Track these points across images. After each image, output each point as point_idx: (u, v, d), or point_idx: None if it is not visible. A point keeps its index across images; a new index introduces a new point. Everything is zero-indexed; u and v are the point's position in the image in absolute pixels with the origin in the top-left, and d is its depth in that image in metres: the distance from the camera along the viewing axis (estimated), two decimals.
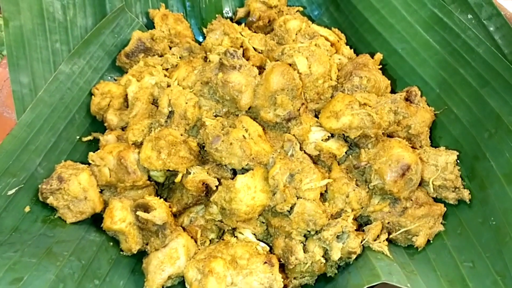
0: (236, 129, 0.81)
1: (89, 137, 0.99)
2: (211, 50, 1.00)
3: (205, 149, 0.85)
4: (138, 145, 0.88)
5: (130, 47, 1.06)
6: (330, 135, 0.86)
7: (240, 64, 0.85)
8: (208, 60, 0.94)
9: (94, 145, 0.99)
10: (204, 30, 1.13)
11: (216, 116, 0.88)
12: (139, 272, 0.83)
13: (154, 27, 1.12)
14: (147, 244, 0.84)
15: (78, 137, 0.98)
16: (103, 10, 1.10)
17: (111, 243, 0.85)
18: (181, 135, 0.86)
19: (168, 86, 0.93)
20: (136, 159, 0.85)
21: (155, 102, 0.94)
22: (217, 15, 1.15)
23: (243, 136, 0.81)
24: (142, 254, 0.85)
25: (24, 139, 0.89)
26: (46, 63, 1.00)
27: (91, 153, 0.88)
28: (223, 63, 0.85)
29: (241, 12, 1.18)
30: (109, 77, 1.08)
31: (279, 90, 0.83)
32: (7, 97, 0.94)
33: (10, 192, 0.82)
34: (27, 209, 0.83)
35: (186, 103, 0.87)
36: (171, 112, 0.88)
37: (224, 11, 1.22)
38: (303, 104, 0.87)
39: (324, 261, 0.79)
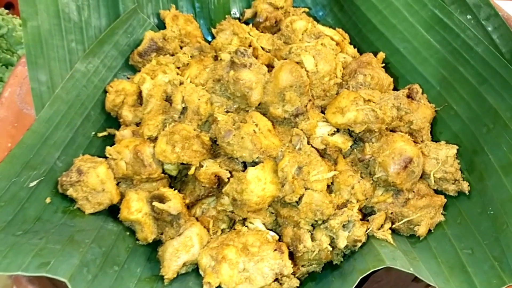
0: (247, 124, 0.85)
1: (105, 133, 1.03)
2: (221, 49, 1.05)
3: (217, 143, 0.89)
4: (153, 140, 0.92)
5: (143, 47, 1.10)
6: (335, 130, 0.90)
7: (250, 62, 0.89)
8: (219, 58, 0.98)
9: (109, 140, 1.03)
10: (213, 30, 1.18)
11: (227, 112, 0.92)
12: (155, 260, 0.87)
13: (165, 28, 1.16)
14: (161, 234, 0.88)
15: (93, 132, 1.02)
16: (116, 11, 1.14)
17: (128, 233, 0.89)
18: (194, 130, 0.90)
19: (181, 83, 0.98)
20: (152, 152, 0.89)
21: (168, 99, 0.98)
22: (226, 16, 1.19)
23: (254, 130, 0.85)
24: (156, 244, 0.90)
25: (43, 134, 0.93)
26: (62, 61, 1.04)
27: (108, 147, 0.93)
28: (234, 62, 0.89)
29: (248, 13, 1.22)
30: (122, 76, 1.12)
31: (288, 87, 0.87)
32: (26, 94, 0.98)
33: (31, 184, 0.86)
34: (48, 200, 0.87)
35: (199, 99, 0.91)
36: (185, 108, 0.92)
37: (232, 12, 1.26)
38: (310, 100, 0.91)
39: (331, 249, 0.83)
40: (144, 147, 0.89)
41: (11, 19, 1.32)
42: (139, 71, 1.10)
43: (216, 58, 1.06)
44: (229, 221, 0.91)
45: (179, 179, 0.96)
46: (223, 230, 0.90)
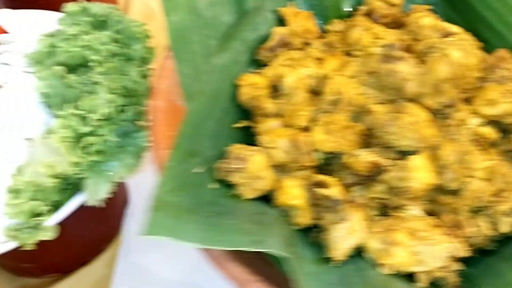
0: (407, 114, 0.89)
1: (243, 124, 1.07)
2: (352, 44, 1.09)
3: (371, 133, 0.93)
4: (304, 129, 0.96)
5: (273, 42, 1.14)
6: (485, 121, 0.94)
7: (401, 55, 0.93)
8: (366, 53, 1.01)
9: (244, 131, 1.07)
10: (326, 27, 1.22)
11: (379, 103, 0.96)
12: (311, 244, 0.90)
13: (283, 25, 1.20)
14: (317, 219, 0.92)
15: (232, 124, 1.07)
16: (243, 8, 1.19)
17: (283, 218, 0.93)
18: (347, 120, 0.94)
19: (324, 76, 1.01)
20: (308, 141, 0.93)
21: (312, 91, 1.02)
22: (354, 12, 1.23)
23: (413, 120, 0.89)
24: (308, 229, 0.93)
25: (195, 125, 0.98)
26: (201, 56, 1.09)
27: (262, 137, 0.97)
28: (386, 55, 0.93)
29: (363, 11, 1.25)
30: (249, 70, 1.16)
31: (444, 79, 0.91)
32: (174, 86, 1.03)
33: (198, 171, 0.91)
34: (215, 185, 0.91)
35: (351, 91, 0.95)
36: (336, 100, 0.96)
37: (344, 9, 1.29)
38: (460, 93, 0.95)
39: (491, 234, 0.87)
40: (301, 136, 0.93)
41: (124, 15, 1.37)
42: (265, 65, 1.14)
43: (347, 53, 1.10)
44: (381, 208, 0.94)
45: (323, 167, 1.00)
46: (377, 216, 0.93)
